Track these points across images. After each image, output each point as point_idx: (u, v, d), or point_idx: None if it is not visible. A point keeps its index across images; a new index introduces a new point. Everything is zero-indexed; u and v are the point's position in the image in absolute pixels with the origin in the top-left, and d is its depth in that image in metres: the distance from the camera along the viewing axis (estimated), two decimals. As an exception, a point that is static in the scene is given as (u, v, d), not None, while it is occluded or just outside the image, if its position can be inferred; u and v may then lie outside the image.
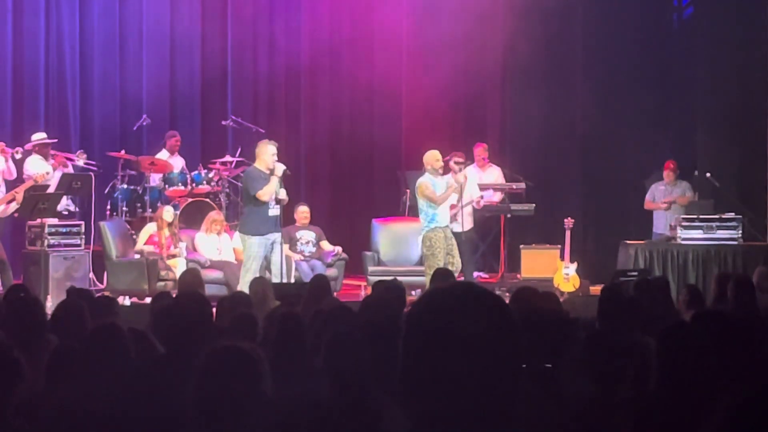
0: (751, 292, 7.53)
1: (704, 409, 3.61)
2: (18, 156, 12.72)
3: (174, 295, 7.97)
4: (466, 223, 12.63)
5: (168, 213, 12.62)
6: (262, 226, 11.05)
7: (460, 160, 12.27)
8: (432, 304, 2.10)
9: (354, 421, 3.93)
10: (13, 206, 12.28)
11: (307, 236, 13.14)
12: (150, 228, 12.60)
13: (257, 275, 11.05)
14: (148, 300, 11.77)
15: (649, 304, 6.59)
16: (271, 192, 11.03)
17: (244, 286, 10.86)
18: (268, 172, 11.06)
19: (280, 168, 11.10)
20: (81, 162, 13.27)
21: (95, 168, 13.59)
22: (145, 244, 12.56)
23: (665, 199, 13.53)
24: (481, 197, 13.35)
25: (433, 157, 11.45)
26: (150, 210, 13.32)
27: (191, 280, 8.94)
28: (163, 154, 14.06)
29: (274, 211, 11.11)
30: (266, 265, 11.17)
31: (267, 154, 11.10)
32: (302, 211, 13.33)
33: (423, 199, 11.38)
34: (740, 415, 1.95)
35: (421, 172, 12.14)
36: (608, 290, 6.42)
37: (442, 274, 8.77)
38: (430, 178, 11.38)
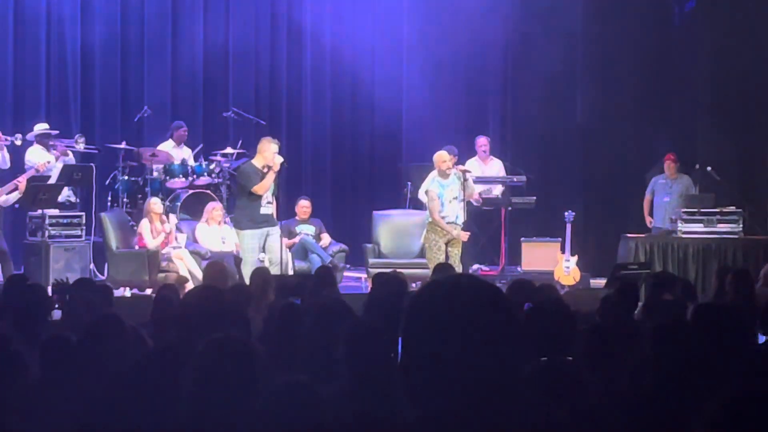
0: (749, 285, 7.54)
1: (697, 402, 3.61)
2: (18, 143, 12.71)
3: (176, 287, 7.99)
4: (460, 216, 12.65)
5: (157, 205, 12.59)
6: (254, 221, 11.14)
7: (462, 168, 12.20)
8: (430, 296, 2.11)
9: (374, 412, 3.94)
10: (15, 195, 12.28)
11: (307, 230, 13.16)
12: (146, 224, 12.54)
13: (255, 266, 11.09)
14: (148, 291, 11.79)
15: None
16: (267, 186, 11.11)
17: (246, 280, 10.90)
18: (264, 169, 11.12)
19: (279, 160, 11.18)
20: (80, 147, 13.26)
21: (96, 151, 13.63)
22: (153, 240, 12.49)
23: (649, 217, 13.63)
24: (479, 194, 13.37)
25: (440, 158, 11.51)
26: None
27: (217, 273, 8.84)
28: (168, 144, 14.04)
29: (266, 209, 11.20)
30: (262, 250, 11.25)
31: (269, 152, 11.19)
32: (303, 205, 13.36)
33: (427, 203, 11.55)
34: (729, 413, 1.95)
35: (423, 165, 12.18)
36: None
37: (442, 269, 8.78)
38: (439, 182, 11.42)
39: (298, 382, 3.52)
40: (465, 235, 11.45)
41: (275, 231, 11.30)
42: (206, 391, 3.55)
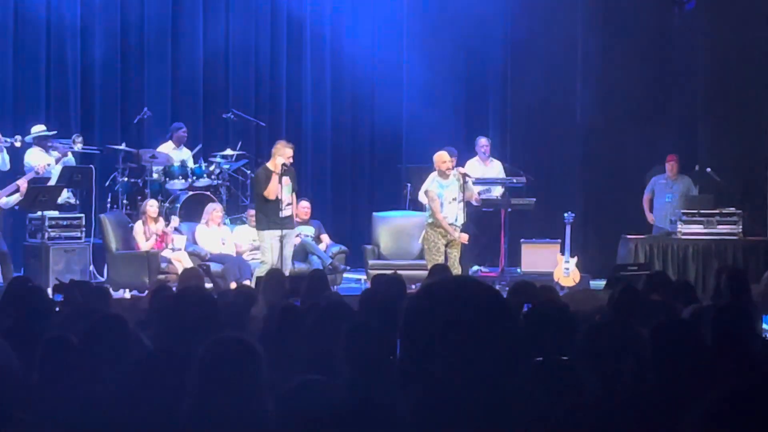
0: (744, 285, 7.52)
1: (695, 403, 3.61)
2: (18, 144, 12.72)
3: (174, 289, 7.99)
4: (459, 217, 12.66)
5: (153, 207, 12.60)
6: (274, 222, 11.21)
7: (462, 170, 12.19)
8: (428, 298, 2.11)
9: (372, 411, 3.93)
10: (15, 198, 12.28)
11: (306, 231, 13.18)
12: (139, 226, 12.54)
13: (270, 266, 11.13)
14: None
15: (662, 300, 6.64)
16: (275, 189, 11.15)
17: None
18: (277, 172, 11.19)
19: (279, 162, 11.21)
20: (78, 147, 13.26)
21: (98, 152, 13.65)
22: (146, 242, 12.49)
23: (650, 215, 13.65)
24: (479, 194, 13.36)
25: (440, 159, 11.51)
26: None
27: (191, 278, 8.86)
28: (167, 146, 14.04)
29: (286, 211, 11.28)
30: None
31: (282, 156, 11.27)
32: (303, 206, 13.36)
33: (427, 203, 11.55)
34: (718, 413, 1.95)
35: (423, 167, 12.16)
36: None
37: (439, 270, 8.78)
38: (439, 182, 11.42)
39: (312, 381, 3.52)
40: (465, 237, 11.45)
41: (292, 234, 11.42)
42: (210, 391, 3.56)
